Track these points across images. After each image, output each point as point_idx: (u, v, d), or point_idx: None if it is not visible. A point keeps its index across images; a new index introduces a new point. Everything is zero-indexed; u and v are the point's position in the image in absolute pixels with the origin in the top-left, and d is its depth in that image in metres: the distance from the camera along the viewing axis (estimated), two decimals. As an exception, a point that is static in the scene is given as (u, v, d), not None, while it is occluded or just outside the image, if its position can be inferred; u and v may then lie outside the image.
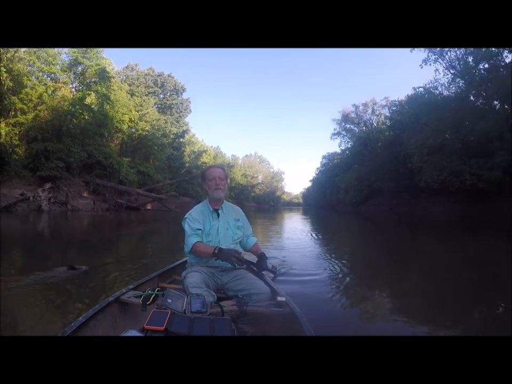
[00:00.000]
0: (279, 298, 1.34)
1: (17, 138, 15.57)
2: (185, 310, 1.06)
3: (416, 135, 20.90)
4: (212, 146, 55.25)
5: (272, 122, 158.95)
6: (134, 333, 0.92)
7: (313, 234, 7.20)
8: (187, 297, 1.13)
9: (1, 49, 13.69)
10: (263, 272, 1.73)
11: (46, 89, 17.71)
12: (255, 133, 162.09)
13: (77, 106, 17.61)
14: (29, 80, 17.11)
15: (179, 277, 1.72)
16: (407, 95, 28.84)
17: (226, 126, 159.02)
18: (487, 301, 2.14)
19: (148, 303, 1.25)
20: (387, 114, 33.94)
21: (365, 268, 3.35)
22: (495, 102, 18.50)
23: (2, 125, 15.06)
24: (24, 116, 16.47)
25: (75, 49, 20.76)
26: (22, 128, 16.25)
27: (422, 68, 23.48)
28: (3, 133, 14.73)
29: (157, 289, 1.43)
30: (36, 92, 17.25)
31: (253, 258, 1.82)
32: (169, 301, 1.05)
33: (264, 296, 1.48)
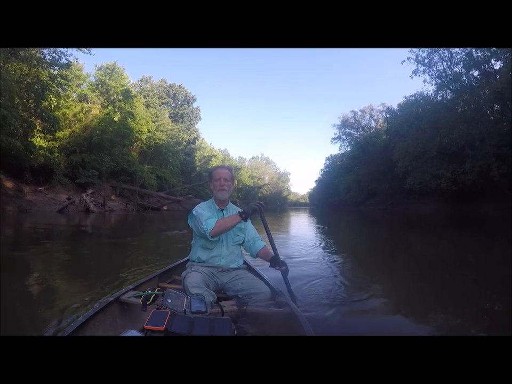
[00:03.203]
0: (279, 298, 1.24)
1: (56, 151, 16.30)
2: (185, 310, 0.98)
3: (402, 142, 21.34)
4: (219, 149, 54.36)
5: (277, 122, 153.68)
6: (134, 333, 0.85)
7: (316, 231, 7.06)
8: (187, 297, 1.04)
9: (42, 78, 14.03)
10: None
11: (82, 109, 18.59)
12: (257, 133, 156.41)
13: (104, 122, 18.34)
14: (65, 101, 17.82)
15: (179, 277, 1.59)
16: (399, 103, 28.41)
17: (227, 126, 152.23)
18: (487, 300, 1.98)
19: (148, 303, 1.16)
20: (385, 117, 33.31)
21: (365, 267, 3.16)
22: (484, 108, 18.18)
23: (44, 140, 15.78)
24: (62, 132, 17.22)
25: (102, 72, 21.62)
26: (61, 142, 17.05)
27: (412, 78, 23.01)
28: (45, 145, 15.51)
29: (157, 289, 1.33)
30: (71, 111, 18.10)
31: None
32: (169, 301, 0.97)
33: (264, 296, 1.36)
